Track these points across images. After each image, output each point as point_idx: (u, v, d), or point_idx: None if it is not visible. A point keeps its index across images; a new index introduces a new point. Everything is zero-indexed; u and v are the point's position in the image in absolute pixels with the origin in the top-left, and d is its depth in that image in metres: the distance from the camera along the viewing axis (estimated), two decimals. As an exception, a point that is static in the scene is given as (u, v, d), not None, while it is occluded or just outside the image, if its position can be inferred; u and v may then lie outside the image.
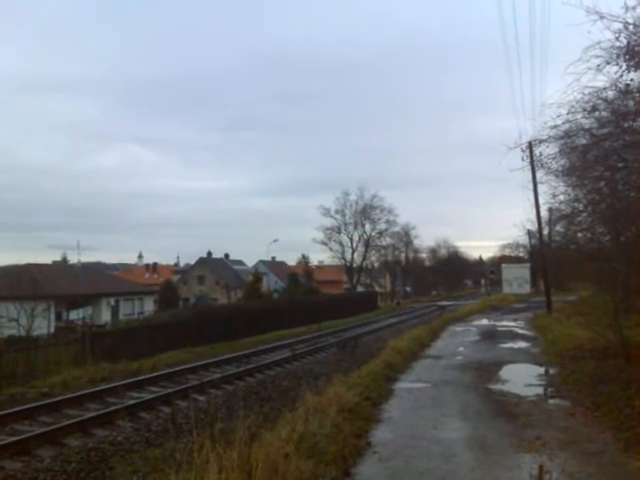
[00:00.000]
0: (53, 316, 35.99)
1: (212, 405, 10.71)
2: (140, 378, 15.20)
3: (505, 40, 70.17)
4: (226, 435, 5.98)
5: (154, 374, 15.94)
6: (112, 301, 46.39)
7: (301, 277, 61.45)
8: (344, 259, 67.86)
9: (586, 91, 10.37)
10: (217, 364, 17.86)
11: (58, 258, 65.70)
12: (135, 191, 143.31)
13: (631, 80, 9.79)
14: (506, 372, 13.04)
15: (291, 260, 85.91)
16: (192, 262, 78.33)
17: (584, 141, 11.83)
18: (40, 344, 20.64)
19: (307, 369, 16.30)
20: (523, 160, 15.74)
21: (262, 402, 11.65)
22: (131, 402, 12.13)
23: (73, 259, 57.01)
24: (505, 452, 6.81)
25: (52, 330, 32.99)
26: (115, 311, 46.23)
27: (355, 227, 67.04)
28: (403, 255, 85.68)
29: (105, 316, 44.14)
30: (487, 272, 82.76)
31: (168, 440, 9.06)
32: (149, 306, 51.52)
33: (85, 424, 10.39)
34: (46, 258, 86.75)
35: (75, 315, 42.63)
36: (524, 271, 60.43)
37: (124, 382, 14.44)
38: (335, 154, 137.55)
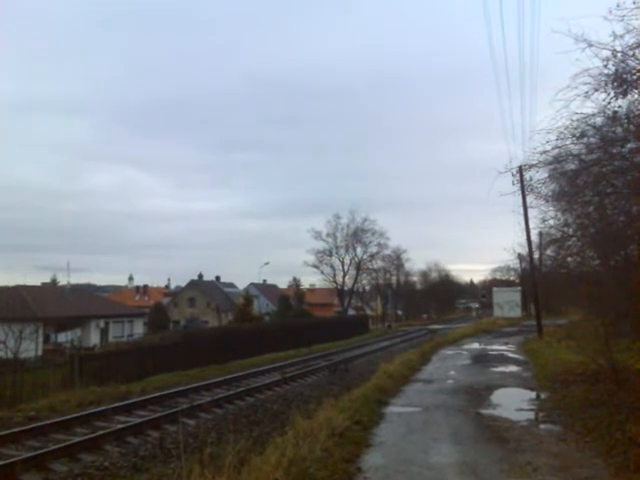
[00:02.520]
0: (41, 338, 35.64)
1: (202, 429, 10.64)
2: (129, 402, 15.02)
3: (495, 67, 71.44)
4: (215, 460, 5.93)
5: (143, 397, 15.76)
6: (101, 323, 45.99)
7: (292, 300, 61.24)
8: (335, 282, 67.82)
9: (575, 117, 10.52)
10: (207, 387, 17.70)
11: (48, 280, 65.37)
12: (127, 212, 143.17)
13: (619, 107, 9.96)
14: (497, 396, 13.01)
15: (282, 283, 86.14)
16: (183, 284, 78.14)
17: (573, 166, 11.96)
18: (28, 367, 20.39)
19: (297, 392, 16.19)
20: (513, 184, 15.88)
21: (252, 426, 11.54)
22: (119, 426, 11.97)
23: (63, 281, 56.77)
24: (497, 478, 6.76)
25: (40, 352, 32.66)
26: (104, 333, 45.82)
27: (346, 250, 67.14)
28: (394, 278, 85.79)
29: (94, 338, 43.73)
30: (479, 295, 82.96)
31: (156, 465, 8.95)
32: (139, 328, 51.11)
33: (72, 449, 10.24)
34: (36, 279, 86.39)
35: (64, 337, 42.18)
36: (515, 295, 60.49)
37: (112, 406, 14.27)
38: (328, 177, 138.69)
